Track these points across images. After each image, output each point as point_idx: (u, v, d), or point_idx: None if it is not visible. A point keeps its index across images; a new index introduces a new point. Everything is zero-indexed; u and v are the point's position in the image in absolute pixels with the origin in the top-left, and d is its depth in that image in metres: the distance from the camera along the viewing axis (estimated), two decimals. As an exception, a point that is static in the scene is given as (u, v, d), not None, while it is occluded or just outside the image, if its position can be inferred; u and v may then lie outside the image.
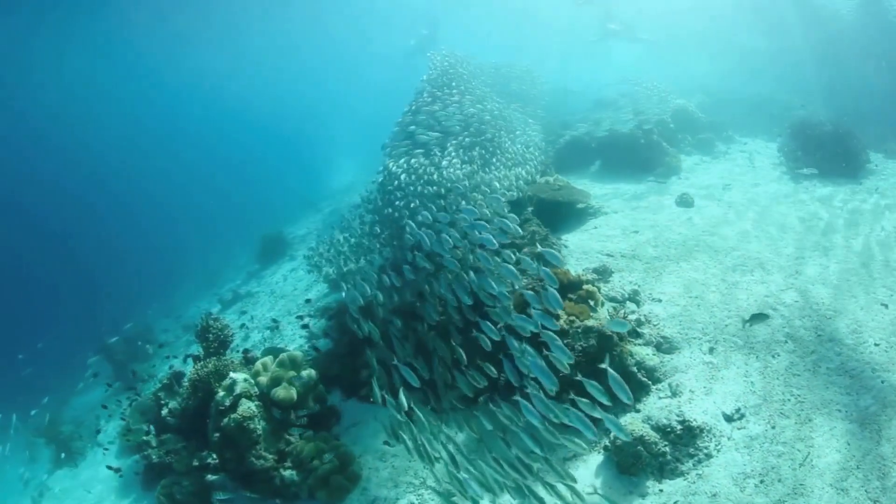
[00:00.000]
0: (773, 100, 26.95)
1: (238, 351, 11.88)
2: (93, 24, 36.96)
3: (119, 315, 24.78)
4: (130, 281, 34.32)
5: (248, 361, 10.71)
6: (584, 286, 8.04)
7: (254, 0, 44.50)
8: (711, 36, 35.90)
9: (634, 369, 7.72)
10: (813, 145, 18.35)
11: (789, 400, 7.62)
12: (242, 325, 16.42)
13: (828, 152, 17.86)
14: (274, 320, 14.40)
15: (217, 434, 8.83)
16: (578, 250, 11.19)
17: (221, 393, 8.90)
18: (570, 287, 7.78)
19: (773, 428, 7.18)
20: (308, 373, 8.85)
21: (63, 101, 48.65)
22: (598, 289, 8.57)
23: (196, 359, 10.84)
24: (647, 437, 6.86)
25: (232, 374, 8.80)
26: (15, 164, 49.81)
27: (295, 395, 8.61)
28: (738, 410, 7.46)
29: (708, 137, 22.19)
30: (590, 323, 7.19)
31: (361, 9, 50.01)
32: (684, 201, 14.52)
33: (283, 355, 9.16)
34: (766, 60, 30.66)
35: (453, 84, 15.79)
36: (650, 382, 7.91)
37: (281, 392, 8.55)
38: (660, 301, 9.60)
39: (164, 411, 11.03)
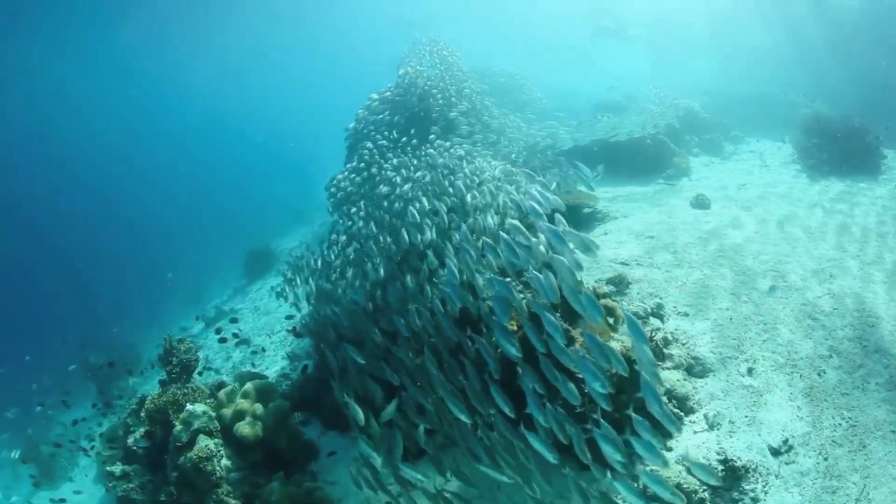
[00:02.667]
0: (778, 99, 26.35)
1: (203, 372, 10.67)
2: (89, 31, 36.64)
3: (109, 330, 23.90)
4: (122, 294, 33.45)
5: (217, 388, 9.51)
6: (602, 300, 6.69)
7: (246, 10, 43.91)
8: (712, 34, 35.01)
9: (664, 399, 6.44)
10: (828, 142, 17.69)
11: (840, 425, 6.71)
12: (237, 338, 15.17)
13: (843, 149, 17.24)
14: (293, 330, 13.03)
15: (175, 473, 7.60)
16: (589, 258, 9.85)
17: (179, 427, 7.65)
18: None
19: (826, 460, 6.26)
20: (277, 405, 7.55)
21: (58, 108, 47.92)
22: (618, 303, 7.28)
23: (163, 384, 9.71)
24: (683, 484, 5.60)
25: (189, 407, 7.52)
26: (10, 171, 48.97)
27: (261, 432, 7.32)
28: (785, 442, 6.43)
29: (714, 138, 21.49)
30: (612, 345, 5.89)
31: (352, 16, 49.37)
32: (700, 203, 13.34)
33: (248, 385, 7.88)
34: (769, 58, 29.96)
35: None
36: (682, 414, 6.65)
37: (245, 428, 7.27)
38: (686, 315, 8.34)
39: (131, 439, 9.90)
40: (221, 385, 9.52)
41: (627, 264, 9.74)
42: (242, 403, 7.59)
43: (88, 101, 49.43)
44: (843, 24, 27.74)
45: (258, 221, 35.30)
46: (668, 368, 7.02)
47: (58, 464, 16.02)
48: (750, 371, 7.51)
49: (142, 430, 9.62)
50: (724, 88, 28.45)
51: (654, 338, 6.98)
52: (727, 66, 32.07)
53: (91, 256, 42.21)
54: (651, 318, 7.97)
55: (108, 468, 10.07)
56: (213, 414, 7.59)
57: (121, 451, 10.66)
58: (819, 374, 7.49)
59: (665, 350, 7.16)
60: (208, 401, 8.43)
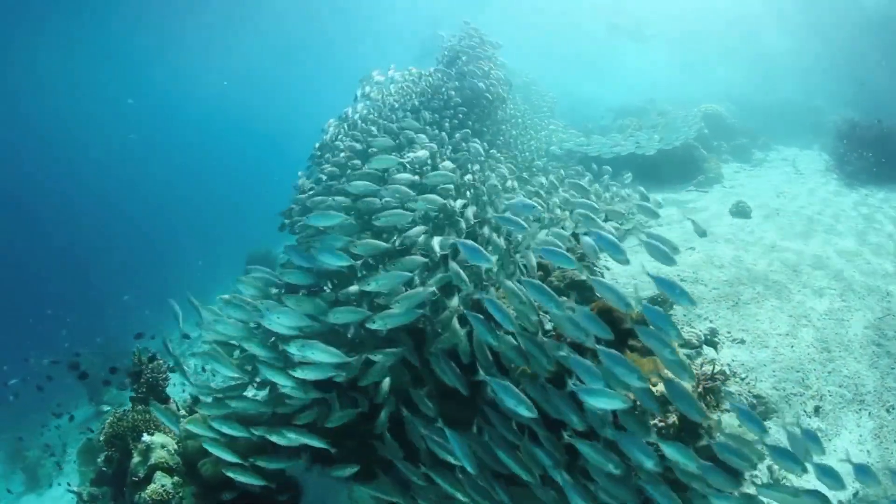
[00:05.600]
0: (802, 105, 25.65)
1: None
2: (97, 30, 36.22)
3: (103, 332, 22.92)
4: (126, 292, 32.55)
5: (192, 410, 8.34)
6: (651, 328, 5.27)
7: (259, 8, 43.31)
8: (734, 39, 33.83)
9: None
10: (864, 150, 16.74)
11: (908, 468, 5.84)
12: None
13: (880, 156, 16.37)
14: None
15: (132, 512, 6.42)
16: (625, 274, 8.39)
17: (136, 459, 6.52)
18: (631, 329, 5.01)
19: (896, 513, 5.50)
20: (250, 438, 6.27)
21: (66, 108, 47.53)
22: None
23: (133, 400, 8.56)
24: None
25: (145, 438, 6.35)
26: (16, 168, 48.53)
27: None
28: (855, 495, 5.65)
29: (743, 144, 20.44)
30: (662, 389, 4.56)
31: (361, 15, 48.65)
32: (741, 211, 12.07)
33: (215, 412, 6.64)
34: (791, 64, 28.87)
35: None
36: (745, 465, 5.38)
37: (208, 466, 6.04)
38: (743, 342, 7.06)
39: (100, 459, 8.77)
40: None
41: (664, 278, 8.41)
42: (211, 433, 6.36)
43: (95, 101, 48.95)
44: (865, 28, 26.65)
45: (263, 223, 34.35)
46: (726, 410, 5.73)
47: (43, 469, 15.58)
48: (816, 410, 6.48)
49: (104, 454, 8.55)
50: (748, 94, 27.28)
51: (711, 374, 5.62)
52: (750, 72, 30.90)
53: (94, 257, 41.45)
54: (704, 346, 6.65)
55: (75, 489, 9.10)
56: (174, 447, 6.38)
57: (94, 468, 9.66)
58: (888, 411, 6.61)
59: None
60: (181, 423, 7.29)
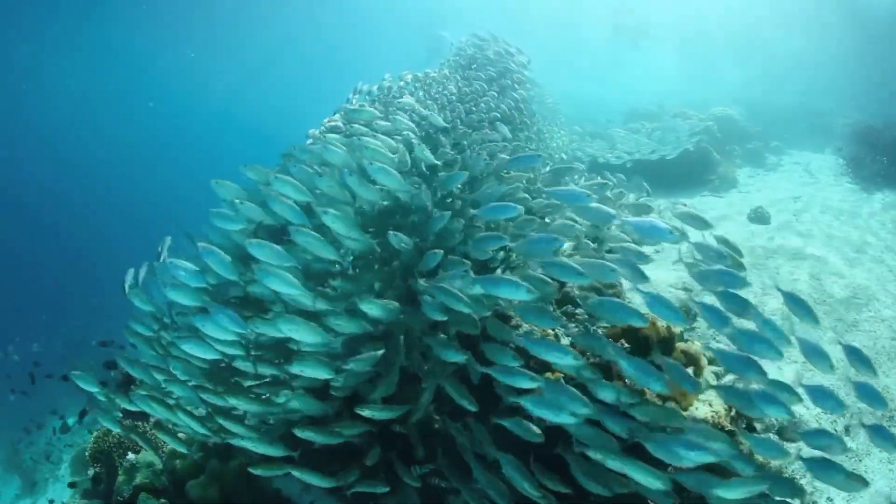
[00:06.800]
0: (812, 108, 25.05)
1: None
2: (96, 31, 36.02)
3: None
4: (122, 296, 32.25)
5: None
6: (680, 344, 4.73)
7: (259, 9, 43.25)
8: (741, 40, 33.40)
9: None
10: (880, 153, 16.50)
11: (938, 493, 5.55)
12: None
13: (895, 159, 16.14)
14: None
15: (118, 534, 6.04)
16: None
17: (121, 478, 6.16)
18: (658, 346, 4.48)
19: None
20: (241, 462, 5.85)
21: (66, 108, 47.43)
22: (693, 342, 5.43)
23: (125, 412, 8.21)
24: None
25: (130, 456, 5.98)
26: (17, 168, 48.46)
27: (217, 495, 5.66)
28: None
29: (756, 147, 19.96)
30: (701, 413, 4.07)
31: (361, 19, 48.56)
32: (760, 217, 11.70)
33: (205, 429, 6.24)
34: (801, 66, 28.48)
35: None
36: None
37: (195, 489, 5.64)
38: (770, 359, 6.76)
39: (91, 472, 8.42)
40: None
41: (691, 290, 7.93)
42: (199, 453, 5.97)
43: (94, 100, 48.90)
44: (876, 29, 26.32)
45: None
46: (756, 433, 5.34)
47: (40, 474, 15.18)
48: (847, 430, 6.18)
49: (91, 470, 8.21)
50: (757, 97, 26.77)
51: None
52: (759, 75, 30.47)
53: (93, 256, 41.22)
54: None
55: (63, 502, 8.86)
56: (160, 467, 5.99)
57: (86, 479, 9.33)
58: (918, 428, 6.20)
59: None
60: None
